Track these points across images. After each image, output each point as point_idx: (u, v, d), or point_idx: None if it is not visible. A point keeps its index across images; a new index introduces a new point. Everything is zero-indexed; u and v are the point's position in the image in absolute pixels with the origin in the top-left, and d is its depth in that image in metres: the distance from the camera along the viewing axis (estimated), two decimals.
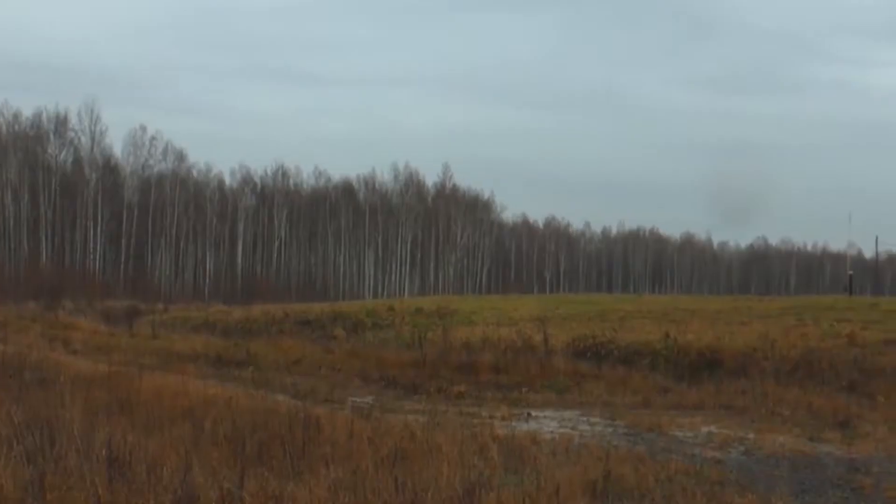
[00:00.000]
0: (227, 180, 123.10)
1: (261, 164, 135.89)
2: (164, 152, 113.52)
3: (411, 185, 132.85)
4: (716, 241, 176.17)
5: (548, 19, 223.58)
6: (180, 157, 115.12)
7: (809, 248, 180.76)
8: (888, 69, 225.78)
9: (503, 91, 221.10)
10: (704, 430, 16.94)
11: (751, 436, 16.15)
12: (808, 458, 14.35)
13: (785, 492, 11.37)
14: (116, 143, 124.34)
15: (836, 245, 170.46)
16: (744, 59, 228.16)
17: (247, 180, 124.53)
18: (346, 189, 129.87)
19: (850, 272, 79.74)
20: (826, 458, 14.41)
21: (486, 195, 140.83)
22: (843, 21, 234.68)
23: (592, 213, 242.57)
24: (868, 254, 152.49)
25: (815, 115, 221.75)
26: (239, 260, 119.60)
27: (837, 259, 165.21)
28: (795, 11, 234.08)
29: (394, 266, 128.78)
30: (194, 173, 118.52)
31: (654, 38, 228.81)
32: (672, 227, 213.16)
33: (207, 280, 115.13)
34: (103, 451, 10.46)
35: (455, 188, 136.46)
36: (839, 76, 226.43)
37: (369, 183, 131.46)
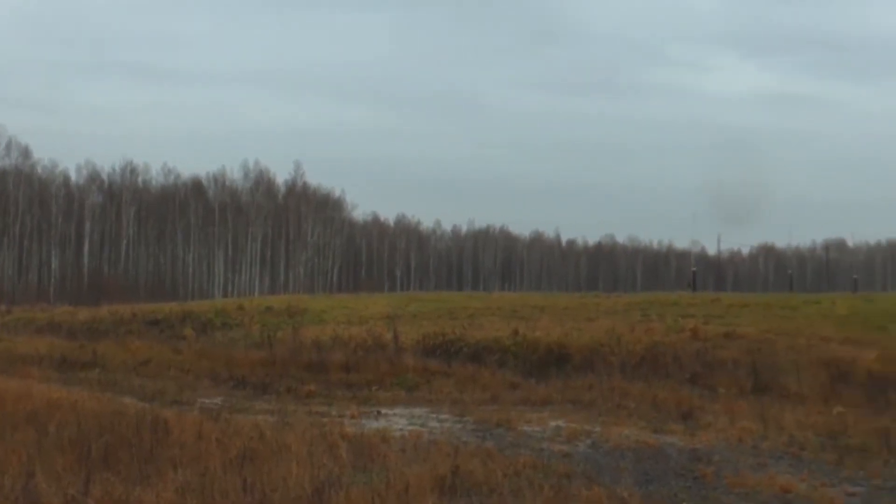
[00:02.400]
0: (74, 177, 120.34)
1: (108, 161, 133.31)
2: (7, 148, 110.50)
3: (262, 183, 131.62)
4: (564, 238, 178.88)
5: (398, 18, 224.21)
6: (24, 152, 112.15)
7: (655, 245, 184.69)
8: (723, 73, 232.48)
9: (355, 90, 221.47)
10: (552, 424, 17.20)
11: (597, 429, 16.44)
12: (652, 449, 14.70)
13: (630, 482, 11.64)
14: None
15: (681, 243, 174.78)
16: (587, 62, 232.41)
17: (94, 177, 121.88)
18: (196, 187, 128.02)
19: (694, 269, 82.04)
20: (670, 448, 14.78)
21: (338, 193, 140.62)
22: (681, 27, 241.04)
23: (443, 211, 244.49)
24: (711, 251, 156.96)
25: (658, 116, 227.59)
26: (86, 259, 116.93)
27: (682, 256, 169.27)
28: (635, 17, 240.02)
29: (244, 265, 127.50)
30: (39, 170, 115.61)
31: (500, 40, 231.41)
32: (521, 225, 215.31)
33: (53, 280, 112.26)
34: None
35: (306, 186, 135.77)
36: (678, 80, 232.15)
37: (219, 180, 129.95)
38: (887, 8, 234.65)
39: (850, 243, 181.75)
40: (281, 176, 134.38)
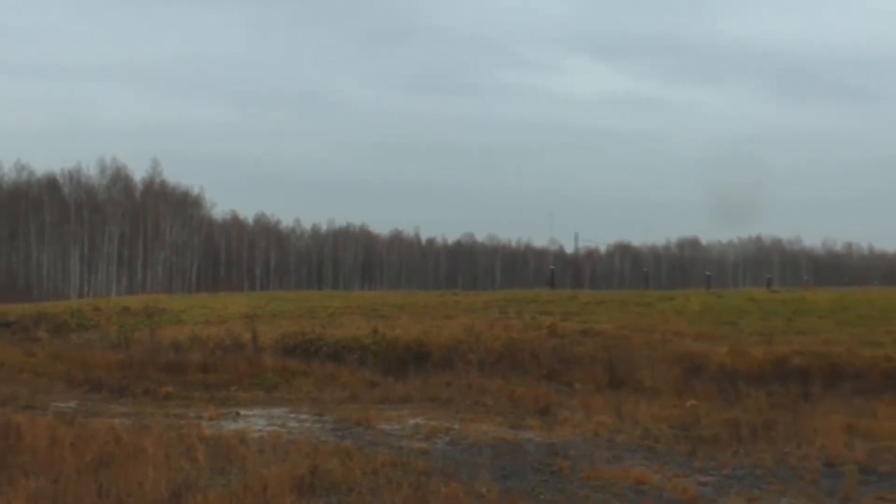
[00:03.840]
0: None
1: None
2: None
3: (119, 180, 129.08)
4: (424, 237, 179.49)
5: (255, 14, 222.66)
6: None
7: (514, 244, 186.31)
8: (575, 75, 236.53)
9: (213, 86, 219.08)
10: (411, 422, 17.29)
11: (456, 426, 16.60)
12: (510, 444, 14.91)
13: (488, 478, 11.81)
14: None
15: (540, 241, 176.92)
16: (441, 62, 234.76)
17: None
18: (50, 184, 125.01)
19: (552, 267, 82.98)
20: (527, 444, 15.01)
21: (196, 191, 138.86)
22: (533, 30, 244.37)
23: (302, 209, 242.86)
24: (569, 249, 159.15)
25: (513, 116, 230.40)
26: None
27: (540, 254, 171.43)
28: (488, 19, 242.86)
29: (100, 264, 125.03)
30: None
31: (355, 39, 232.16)
32: (381, 224, 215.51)
33: None
34: None
35: (164, 184, 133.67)
36: (531, 81, 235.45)
37: (74, 177, 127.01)
38: (732, 14, 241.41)
39: (703, 241, 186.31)
40: (138, 173, 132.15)
